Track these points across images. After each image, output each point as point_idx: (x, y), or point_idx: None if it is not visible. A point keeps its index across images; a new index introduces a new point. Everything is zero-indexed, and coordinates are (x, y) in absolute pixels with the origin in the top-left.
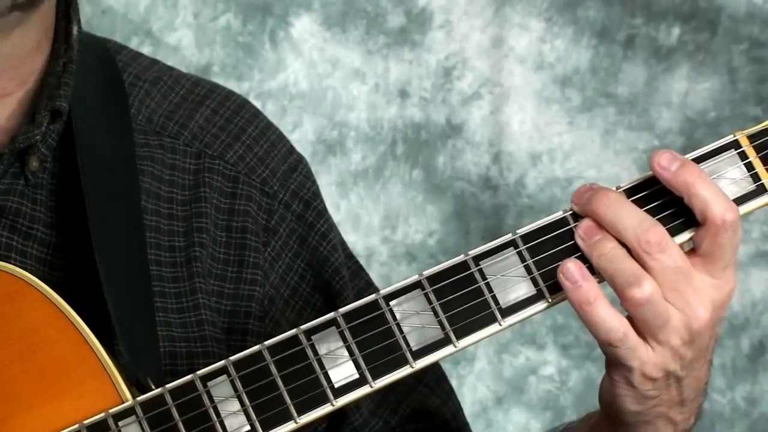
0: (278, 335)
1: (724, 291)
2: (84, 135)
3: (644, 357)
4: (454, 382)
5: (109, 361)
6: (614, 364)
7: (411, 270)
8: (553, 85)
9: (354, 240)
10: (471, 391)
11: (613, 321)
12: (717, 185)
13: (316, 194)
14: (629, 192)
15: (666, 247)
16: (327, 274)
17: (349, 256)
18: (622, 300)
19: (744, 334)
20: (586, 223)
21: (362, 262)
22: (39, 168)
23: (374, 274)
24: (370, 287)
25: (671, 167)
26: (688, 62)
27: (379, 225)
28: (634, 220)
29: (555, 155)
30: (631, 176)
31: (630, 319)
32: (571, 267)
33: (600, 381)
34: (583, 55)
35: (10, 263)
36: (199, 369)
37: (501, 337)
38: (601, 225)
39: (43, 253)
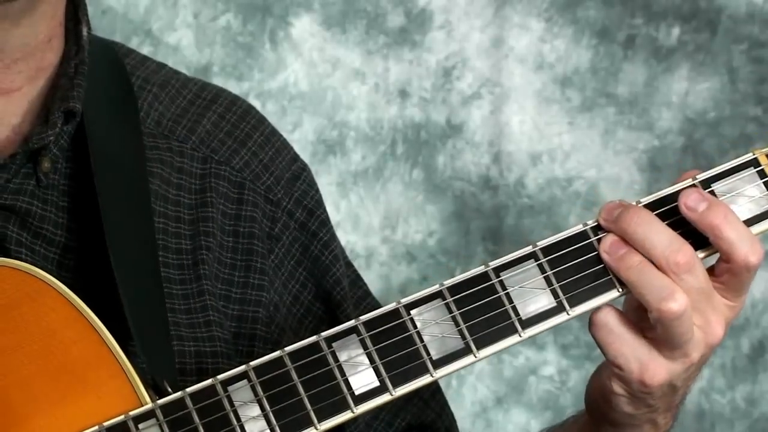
0: (284, 341)
1: (736, 311)
2: (95, 137)
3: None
4: (453, 382)
5: (128, 363)
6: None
7: (411, 270)
8: (553, 85)
9: (354, 240)
10: (471, 391)
11: (664, 279)
12: (743, 225)
13: (320, 203)
14: (651, 206)
15: (693, 268)
16: (328, 284)
17: (349, 265)
18: (655, 313)
19: (744, 334)
20: (611, 239)
21: (362, 262)
22: (50, 169)
23: (374, 274)
24: (368, 296)
25: (698, 208)
26: (688, 62)
27: (379, 225)
28: (664, 240)
29: (555, 155)
30: (631, 176)
31: (648, 336)
32: (610, 239)
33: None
34: (583, 55)
35: (21, 259)
36: (207, 368)
37: None
38: (625, 240)
39: (52, 252)
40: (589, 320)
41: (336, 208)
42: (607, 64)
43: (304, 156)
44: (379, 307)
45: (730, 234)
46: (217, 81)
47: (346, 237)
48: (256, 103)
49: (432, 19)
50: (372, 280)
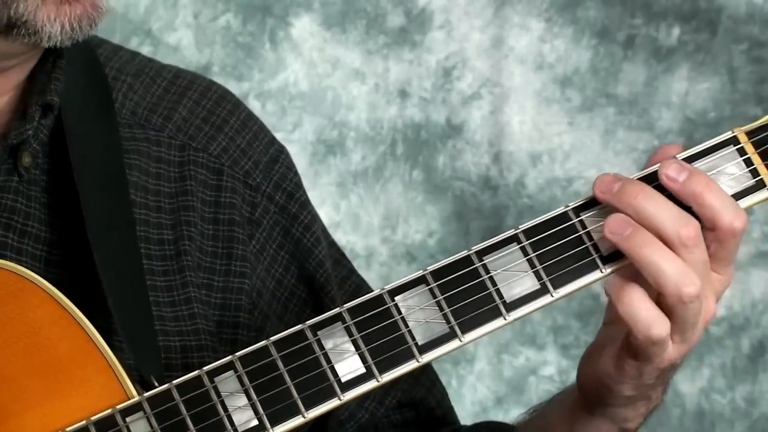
0: (268, 327)
1: (724, 284)
2: (73, 131)
3: (668, 353)
4: (454, 383)
5: (114, 358)
6: (636, 355)
7: (411, 270)
8: (553, 85)
9: (354, 240)
10: (471, 391)
11: (678, 262)
12: (725, 192)
13: (299, 185)
14: None
15: (700, 242)
16: (311, 267)
17: (331, 245)
18: (674, 299)
19: (744, 334)
20: (617, 217)
21: (362, 262)
22: (31, 164)
23: (374, 274)
24: (352, 275)
25: (679, 178)
26: (688, 62)
27: (379, 225)
28: (673, 213)
29: (555, 155)
30: (631, 176)
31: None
32: (617, 218)
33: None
34: (583, 55)
35: (6, 259)
36: (193, 362)
37: (501, 338)
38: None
39: (38, 249)
40: (617, 298)
41: (336, 208)
42: (607, 64)
43: (304, 156)
44: (365, 285)
45: (713, 201)
46: (217, 81)
47: (346, 237)
48: (256, 104)
49: (432, 19)
50: (372, 280)
